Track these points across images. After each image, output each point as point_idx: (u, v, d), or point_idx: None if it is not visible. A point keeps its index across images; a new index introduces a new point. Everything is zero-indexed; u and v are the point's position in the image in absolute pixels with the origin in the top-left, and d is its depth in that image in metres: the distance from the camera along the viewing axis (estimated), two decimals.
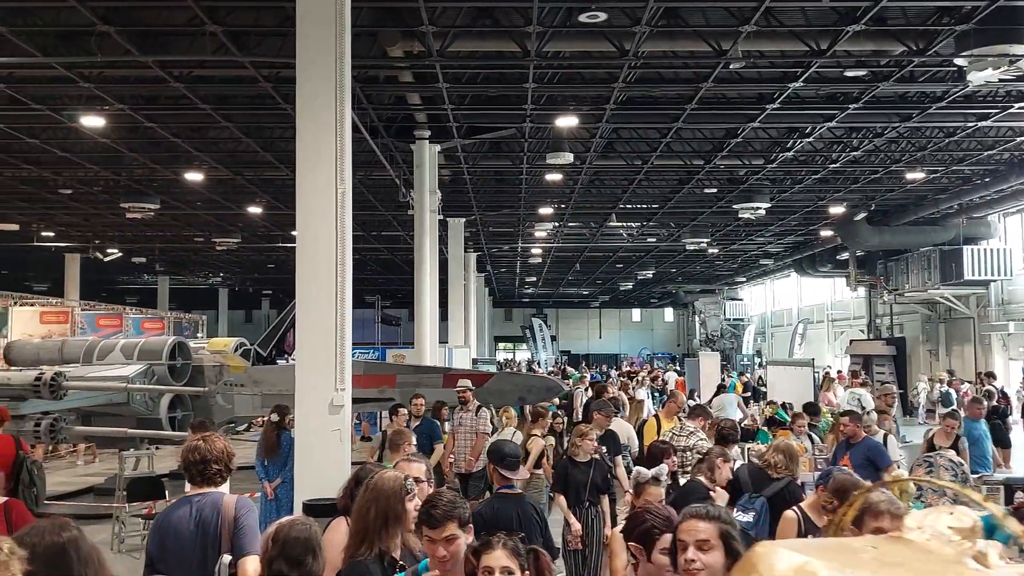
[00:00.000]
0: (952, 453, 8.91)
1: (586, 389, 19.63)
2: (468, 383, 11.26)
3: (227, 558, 4.24)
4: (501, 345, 60.48)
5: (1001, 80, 13.50)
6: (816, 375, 17.27)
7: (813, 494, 5.40)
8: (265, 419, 10.89)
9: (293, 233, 29.24)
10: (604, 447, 8.50)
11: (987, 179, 22.45)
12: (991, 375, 21.44)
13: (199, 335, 30.97)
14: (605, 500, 7.62)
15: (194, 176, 20.82)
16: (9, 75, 13.99)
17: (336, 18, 8.82)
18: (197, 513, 4.32)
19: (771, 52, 13.29)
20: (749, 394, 23.35)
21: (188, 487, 4.54)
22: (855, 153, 19.86)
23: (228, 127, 16.94)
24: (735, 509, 6.22)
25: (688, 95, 15.41)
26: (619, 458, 8.98)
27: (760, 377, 25.45)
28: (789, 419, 11.77)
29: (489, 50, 13.08)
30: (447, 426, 12.02)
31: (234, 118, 16.53)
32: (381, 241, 30.39)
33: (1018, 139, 18.72)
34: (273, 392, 13.96)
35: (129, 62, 13.14)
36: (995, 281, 26.96)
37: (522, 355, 55.01)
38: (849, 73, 14.27)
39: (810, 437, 10.69)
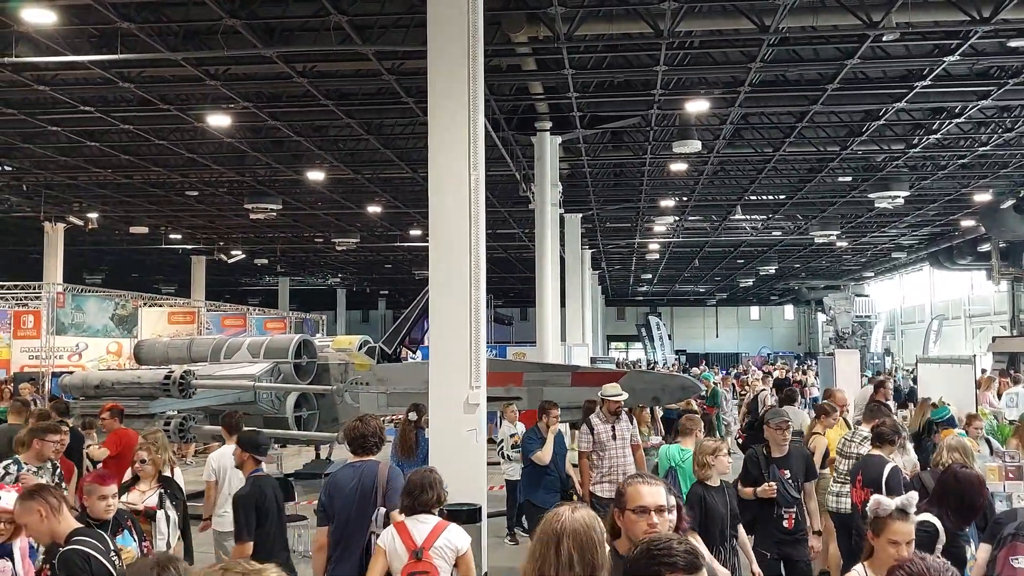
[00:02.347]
0: None
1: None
2: (617, 389, 9.00)
3: (383, 510, 5.51)
4: (613, 344, 59.58)
5: None
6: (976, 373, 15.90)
7: None
8: (401, 418, 10.55)
9: (412, 232, 29.73)
10: (787, 471, 6.69)
11: None
12: None
13: (320, 334, 31.42)
14: (741, 531, 6.20)
15: (315, 175, 20.95)
16: (139, 74, 14.20)
17: None
18: (359, 476, 5.59)
19: (923, 24, 12.17)
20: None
21: (351, 456, 5.80)
22: (1007, 135, 18.33)
23: (350, 124, 16.87)
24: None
25: (830, 74, 14.43)
26: (810, 485, 6.96)
27: (907, 374, 23.89)
28: (954, 417, 10.75)
29: (618, 32, 12.45)
30: (579, 438, 9.10)
31: (356, 114, 16.44)
32: (496, 239, 30.11)
33: None
34: (399, 390, 13.70)
35: (255, 57, 13.11)
36: None
37: (635, 354, 54.01)
38: (1012, 44, 13.01)
39: (987, 441, 9.68)
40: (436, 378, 8.64)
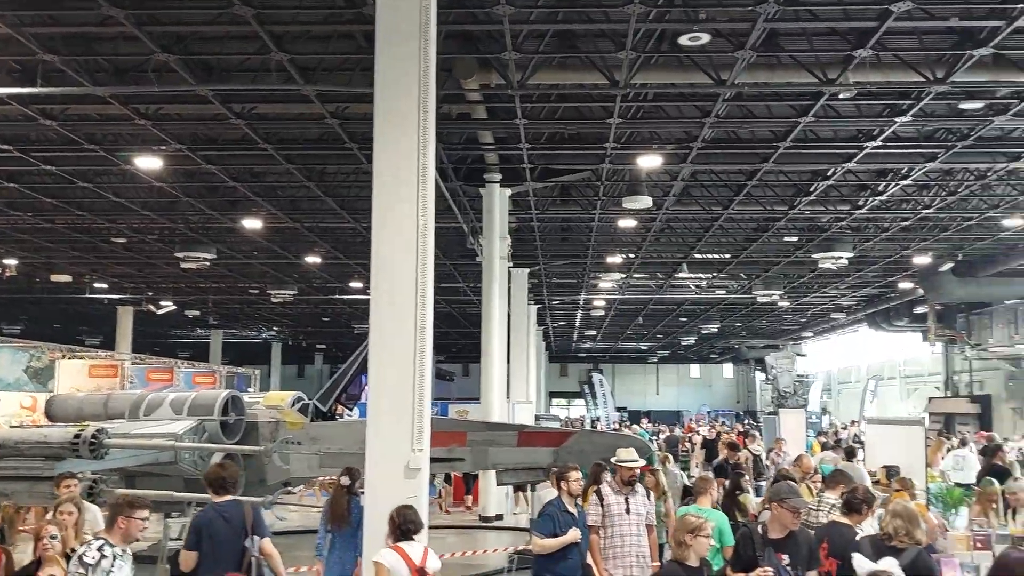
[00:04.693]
0: None
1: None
2: (633, 454, 7.83)
3: (257, 539, 6.66)
4: (556, 401, 58.99)
5: None
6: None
7: None
8: (333, 482, 9.73)
9: (352, 284, 28.88)
10: (786, 556, 5.75)
11: None
12: None
13: (251, 389, 30.22)
14: None
15: (252, 223, 20.15)
16: (63, 112, 13.37)
17: (420, 31, 7.86)
18: (226, 512, 6.68)
19: (878, 83, 12.08)
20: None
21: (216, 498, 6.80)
22: (950, 198, 18.48)
23: (290, 170, 16.21)
24: None
25: (782, 132, 14.31)
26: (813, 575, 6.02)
27: (856, 435, 23.76)
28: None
29: (573, 82, 12.12)
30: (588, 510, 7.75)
31: (296, 160, 15.80)
32: (440, 293, 29.46)
33: None
34: (334, 451, 12.84)
35: (189, 95, 12.45)
36: None
37: (577, 411, 53.49)
38: (963, 106, 13.04)
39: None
40: (374, 439, 7.95)
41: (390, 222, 8.09)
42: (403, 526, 6.15)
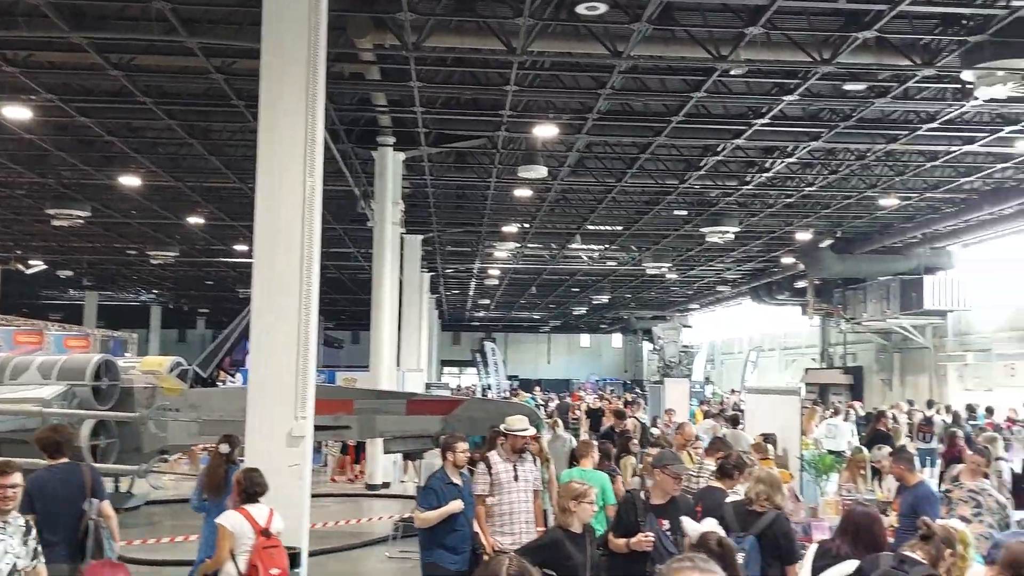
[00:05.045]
0: (988, 487, 8.02)
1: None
2: (524, 422, 7.61)
3: (95, 501, 6.58)
4: (448, 369, 59.00)
5: (1009, 97, 12.82)
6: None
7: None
8: (212, 450, 9.40)
9: (237, 247, 27.94)
10: (667, 521, 5.79)
11: (956, 208, 22.08)
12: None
13: (128, 354, 29.01)
14: None
15: (130, 181, 19.21)
16: None
17: None
18: (61, 475, 6.58)
19: (767, 61, 12.34)
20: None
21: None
22: (832, 176, 19.19)
23: (171, 126, 15.49)
24: None
25: (675, 106, 14.48)
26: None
27: (735, 404, 24.56)
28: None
29: (469, 46, 11.91)
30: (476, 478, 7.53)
31: (178, 115, 15.09)
32: (329, 258, 28.88)
33: (999, 165, 18.26)
34: (214, 418, 12.44)
35: (62, 43, 11.67)
36: (953, 311, 26.69)
37: (468, 380, 53.63)
38: (848, 87, 13.46)
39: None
40: (255, 407, 7.71)
41: (276, 183, 7.81)
42: (249, 489, 6.27)
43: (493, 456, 7.61)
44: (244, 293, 34.90)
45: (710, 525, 4.74)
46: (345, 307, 43.14)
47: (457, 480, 7.12)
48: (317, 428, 12.90)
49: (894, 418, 20.72)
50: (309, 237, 7.75)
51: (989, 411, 20.12)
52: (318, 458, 20.58)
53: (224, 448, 8.67)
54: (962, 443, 12.81)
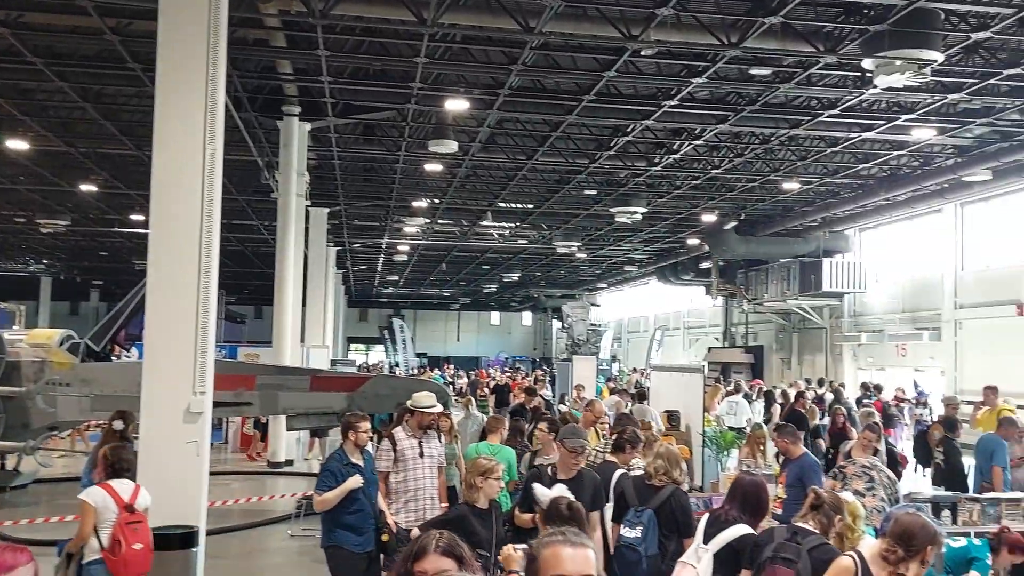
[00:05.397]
0: (879, 463, 8.35)
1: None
2: (432, 399, 7.56)
3: None
4: (354, 346, 58.33)
5: (906, 87, 13.31)
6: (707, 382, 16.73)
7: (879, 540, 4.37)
8: (103, 426, 9.04)
9: (133, 217, 26.85)
10: (572, 495, 5.49)
11: (854, 193, 22.88)
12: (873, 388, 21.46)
13: (16, 327, 27.64)
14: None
15: (18, 145, 18.18)
16: None
17: None
18: None
19: (677, 43, 12.44)
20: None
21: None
22: (737, 159, 19.61)
23: (63, 88, 14.73)
24: (622, 525, 5.83)
25: (586, 85, 14.51)
26: (595, 515, 5.92)
27: (637, 382, 24.98)
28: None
29: (378, 16, 11.64)
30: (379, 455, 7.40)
31: (70, 78, 14.36)
32: (232, 230, 28.07)
33: (895, 152, 18.96)
34: (107, 393, 11.96)
35: None
36: (849, 293, 27.72)
37: (376, 357, 53.19)
38: (754, 71, 13.71)
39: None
40: (151, 382, 7.46)
41: (174, 150, 7.53)
42: (115, 464, 6.38)
43: (398, 432, 7.51)
44: (141, 265, 33.61)
45: (560, 491, 4.85)
46: (248, 281, 42.06)
47: (358, 460, 6.93)
48: (217, 404, 12.58)
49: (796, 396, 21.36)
50: (209, 207, 7.50)
51: (877, 388, 20.95)
52: (219, 435, 20.13)
53: (118, 424, 8.37)
54: (844, 419, 13.43)
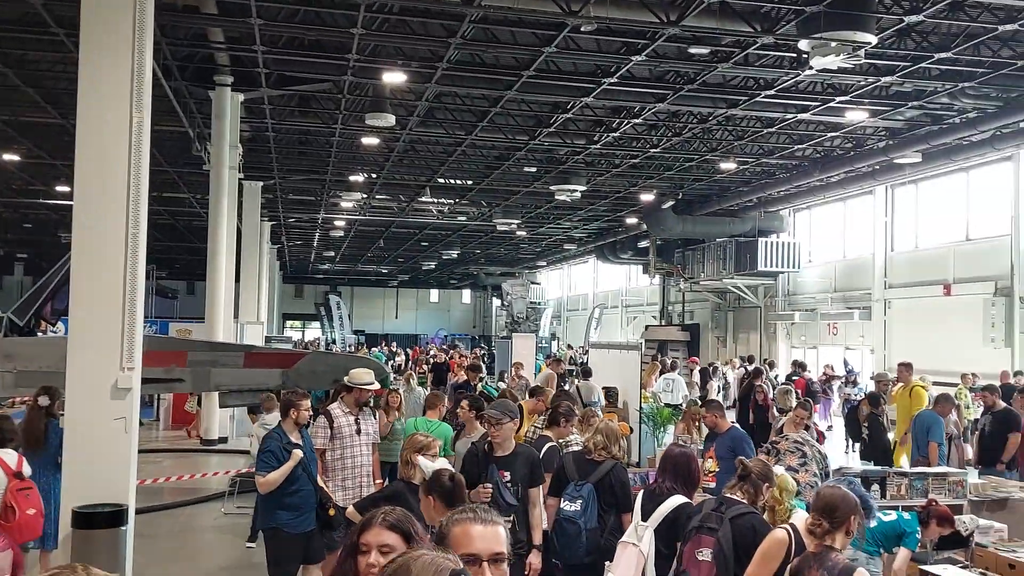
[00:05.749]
0: (811, 439, 8.55)
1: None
2: (370, 376, 7.57)
3: None
4: (290, 323, 57.56)
5: (840, 69, 13.52)
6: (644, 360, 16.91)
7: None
8: (28, 403, 8.77)
9: (59, 188, 25.99)
10: (508, 473, 5.76)
11: (789, 173, 23.26)
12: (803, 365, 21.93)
13: None
14: None
15: None
16: None
17: None
18: None
19: (617, 20, 12.40)
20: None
21: None
22: (676, 139, 19.75)
23: None
24: (562, 499, 5.87)
25: (526, 60, 14.41)
26: (535, 491, 5.95)
27: (572, 358, 25.15)
28: None
29: None
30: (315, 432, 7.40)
31: None
32: (162, 203, 27.34)
33: (829, 134, 19.29)
34: (31, 369, 11.57)
35: None
36: (784, 273, 28.26)
37: (312, 333, 52.60)
38: (692, 50, 13.78)
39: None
40: (76, 357, 7.23)
41: (99, 118, 7.27)
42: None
43: (335, 409, 7.47)
44: (67, 237, 32.43)
45: (443, 463, 4.87)
46: (180, 256, 41.14)
47: (297, 439, 6.83)
48: (148, 381, 12.29)
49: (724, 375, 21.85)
50: (136, 178, 7.27)
51: (802, 366, 21.36)
52: (150, 412, 19.71)
53: (43, 401, 8.17)
54: (765, 396, 13.87)
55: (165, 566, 8.88)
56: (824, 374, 22.89)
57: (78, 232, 7.25)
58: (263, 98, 16.50)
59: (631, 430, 12.49)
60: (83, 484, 7.09)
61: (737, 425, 8.60)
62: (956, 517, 6.45)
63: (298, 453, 6.64)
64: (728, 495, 4.89)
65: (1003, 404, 10.55)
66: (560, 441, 7.09)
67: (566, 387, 16.41)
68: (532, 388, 10.97)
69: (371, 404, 8.25)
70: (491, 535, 2.53)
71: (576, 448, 6.75)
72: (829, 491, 4.12)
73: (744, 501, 4.80)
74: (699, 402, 12.10)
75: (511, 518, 5.52)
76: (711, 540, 4.63)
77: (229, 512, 11.10)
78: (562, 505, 5.83)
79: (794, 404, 10.61)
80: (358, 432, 7.35)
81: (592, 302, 45.32)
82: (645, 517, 5.31)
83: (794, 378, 19.25)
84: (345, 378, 7.72)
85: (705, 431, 10.08)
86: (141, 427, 16.17)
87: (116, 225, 7.18)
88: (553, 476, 6.13)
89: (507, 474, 5.72)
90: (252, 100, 16.67)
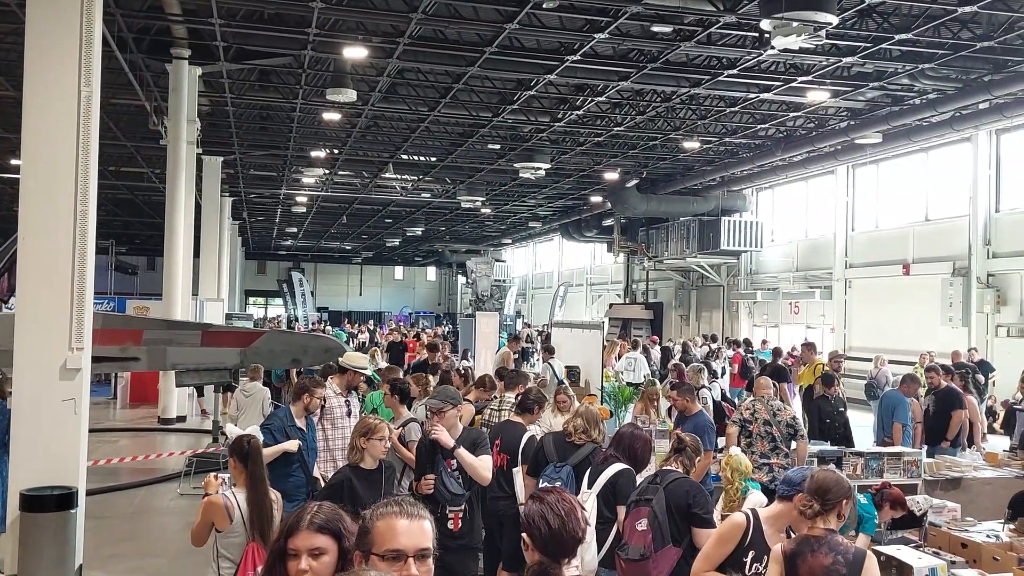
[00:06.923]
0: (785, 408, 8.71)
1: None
2: (364, 360, 7.80)
3: None
4: (252, 300, 56.99)
5: (802, 48, 13.55)
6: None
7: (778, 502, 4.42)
8: None
9: (13, 162, 25.39)
10: (455, 462, 5.53)
11: (752, 153, 23.37)
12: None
13: None
14: None
15: None
16: None
17: None
18: None
19: None
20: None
21: None
22: (640, 117, 19.73)
23: None
24: (540, 479, 5.90)
25: (489, 36, 14.26)
26: (517, 472, 6.21)
27: (528, 335, 25.17)
28: None
29: None
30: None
31: None
32: (121, 178, 26.84)
33: (791, 114, 19.38)
34: None
35: None
36: (746, 252, 28.46)
37: (275, 311, 52.14)
38: (656, 28, 13.72)
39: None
40: (24, 336, 7.12)
41: (45, 89, 7.11)
42: None
43: (327, 390, 7.43)
44: None
45: (253, 431, 5.27)
46: (139, 231, 40.49)
47: (302, 425, 6.78)
48: (103, 359, 12.11)
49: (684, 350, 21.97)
50: (85, 152, 7.13)
51: (747, 343, 21.65)
52: (107, 390, 19.44)
53: None
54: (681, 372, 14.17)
55: (118, 547, 8.76)
56: (788, 354, 23.11)
57: (24, 208, 7.14)
58: (222, 72, 16.19)
59: (611, 414, 12.51)
60: (31, 466, 7.00)
61: (704, 411, 8.62)
62: (910, 497, 6.54)
63: (294, 443, 6.55)
64: (665, 467, 5.21)
65: (946, 384, 10.73)
66: (530, 427, 6.95)
67: (532, 367, 16.40)
68: (497, 371, 10.91)
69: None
70: (417, 530, 2.42)
71: (535, 431, 6.80)
72: (823, 474, 4.14)
73: (680, 471, 5.14)
74: (656, 382, 12.13)
75: (462, 507, 5.45)
76: (647, 510, 4.88)
77: (185, 492, 10.97)
78: (541, 485, 5.81)
79: (706, 382, 11.13)
80: (348, 414, 7.42)
81: (557, 280, 45.38)
82: (590, 485, 5.46)
83: (751, 356, 19.46)
84: (340, 359, 7.77)
85: (663, 411, 10.18)
86: (97, 406, 15.96)
87: (64, 201, 7.05)
88: (532, 457, 6.19)
89: (454, 463, 5.53)
90: (211, 74, 16.36)
